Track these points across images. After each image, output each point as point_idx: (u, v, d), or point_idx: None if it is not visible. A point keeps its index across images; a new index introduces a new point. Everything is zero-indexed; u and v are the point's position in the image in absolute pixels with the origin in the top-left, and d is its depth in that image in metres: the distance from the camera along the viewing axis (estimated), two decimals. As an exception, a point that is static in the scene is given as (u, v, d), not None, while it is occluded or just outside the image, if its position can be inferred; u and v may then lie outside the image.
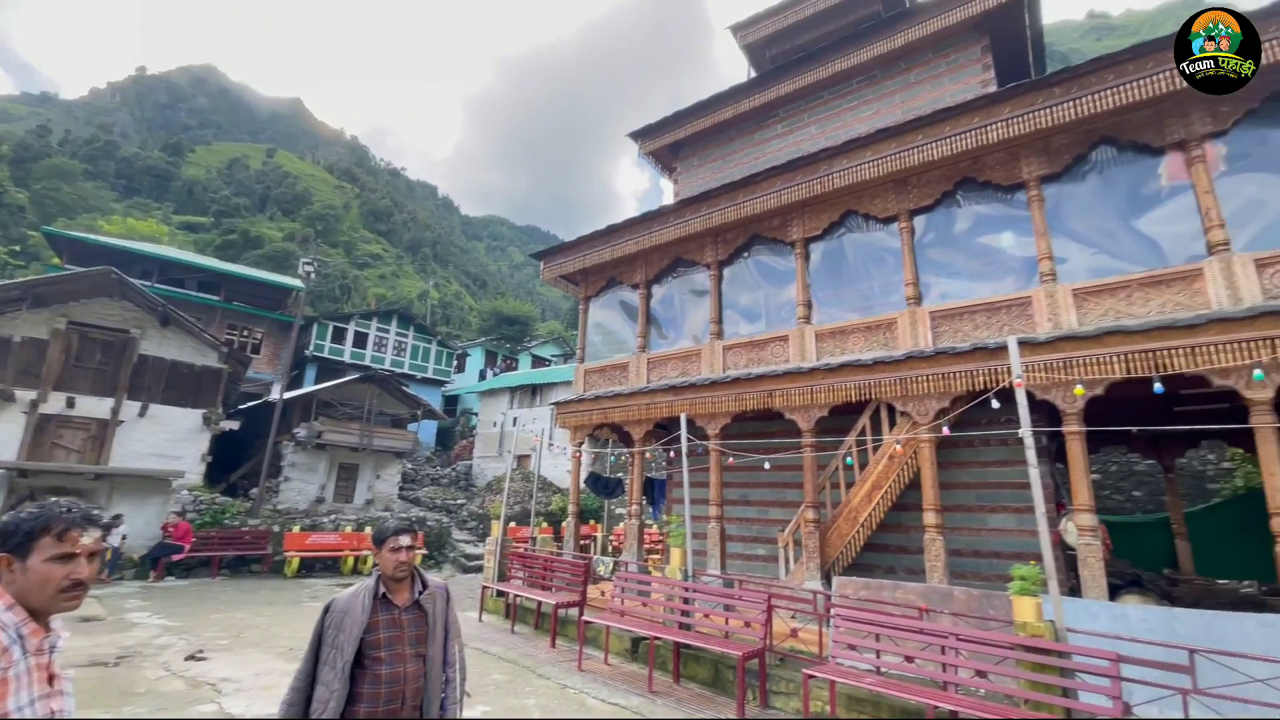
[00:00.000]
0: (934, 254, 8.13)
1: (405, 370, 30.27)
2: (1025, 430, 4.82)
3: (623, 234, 10.64)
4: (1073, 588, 6.86)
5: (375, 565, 2.42)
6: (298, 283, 26.73)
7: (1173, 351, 5.94)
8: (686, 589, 7.04)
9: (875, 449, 8.30)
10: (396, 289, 70.87)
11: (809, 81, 10.79)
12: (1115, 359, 6.22)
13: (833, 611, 5.61)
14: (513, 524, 17.78)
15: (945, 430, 7.08)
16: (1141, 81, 6.37)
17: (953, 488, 8.35)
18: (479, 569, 16.20)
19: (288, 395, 18.07)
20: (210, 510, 15.08)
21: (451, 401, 34.42)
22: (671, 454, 11.34)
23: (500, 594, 10.22)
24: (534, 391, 26.84)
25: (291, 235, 60.09)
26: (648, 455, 11.07)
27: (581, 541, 13.34)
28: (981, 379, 6.97)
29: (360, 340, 29.09)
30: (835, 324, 8.52)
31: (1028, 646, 4.41)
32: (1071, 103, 6.75)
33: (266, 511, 16.34)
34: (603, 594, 9.36)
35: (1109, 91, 6.55)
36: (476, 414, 30.46)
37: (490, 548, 10.83)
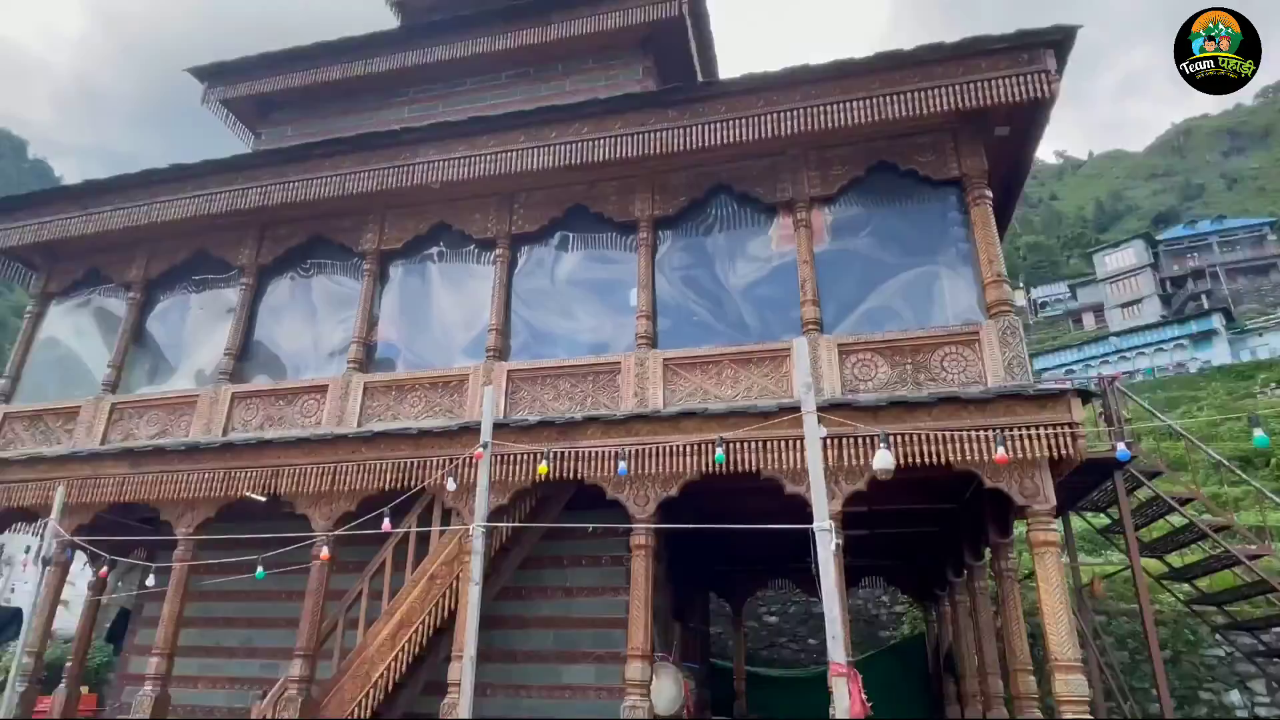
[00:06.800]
0: (533, 296, 8.13)
1: None
2: (477, 525, 4.22)
3: (109, 198, 8.80)
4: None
5: None
6: None
7: (746, 445, 6.20)
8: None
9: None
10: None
11: (448, 57, 10.54)
12: (690, 450, 6.31)
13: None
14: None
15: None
16: (756, 119, 6.98)
17: (529, 626, 8.05)
18: None
19: None
20: None
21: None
22: (148, 565, 9.19)
23: None
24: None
25: None
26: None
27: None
28: (558, 466, 6.66)
29: None
30: (394, 376, 7.99)
31: None
32: (683, 130, 7.16)
33: None
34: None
35: (722, 124, 7.08)
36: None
37: None
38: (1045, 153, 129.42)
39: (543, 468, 6.43)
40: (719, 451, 6.06)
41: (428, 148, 7.94)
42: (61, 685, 8.19)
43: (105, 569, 8.01)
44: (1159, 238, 64.26)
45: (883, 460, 5.61)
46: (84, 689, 12.18)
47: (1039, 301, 65.52)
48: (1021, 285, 61.42)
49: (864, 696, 4.74)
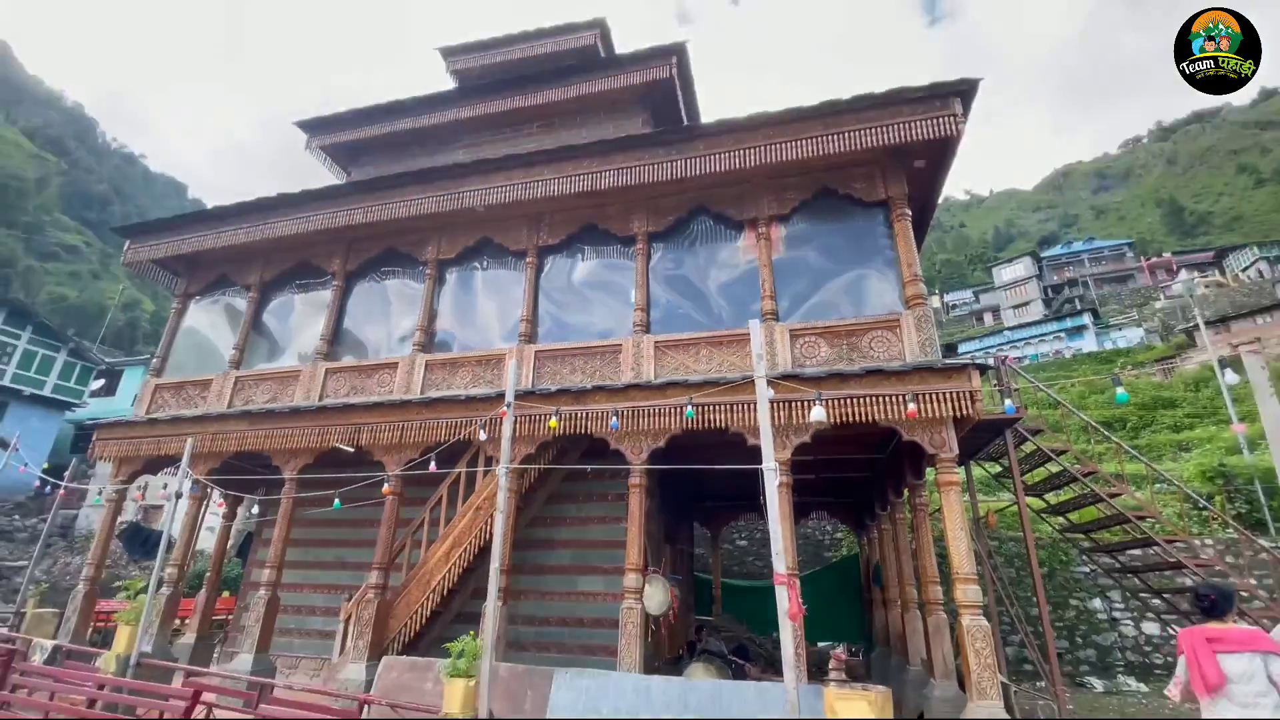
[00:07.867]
0: (555, 294, 7.82)
1: (4, 382, 22.33)
2: (502, 467, 4.06)
3: (232, 220, 8.63)
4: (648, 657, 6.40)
5: None
6: None
7: (717, 407, 5.97)
8: (102, 685, 4.89)
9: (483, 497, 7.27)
10: (88, 291, 55.34)
11: (492, 111, 10.27)
12: (674, 411, 6.11)
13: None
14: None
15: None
16: (727, 155, 6.76)
17: (553, 546, 7.82)
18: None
19: None
20: None
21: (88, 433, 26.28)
22: (257, 503, 9.10)
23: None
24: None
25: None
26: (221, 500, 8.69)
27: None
28: (571, 424, 6.50)
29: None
30: (448, 355, 7.67)
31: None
32: (670, 163, 6.93)
33: None
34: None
35: (701, 159, 6.86)
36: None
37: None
38: (955, 190, 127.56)
39: (553, 422, 6.20)
40: (689, 409, 5.84)
41: (474, 179, 7.74)
42: (202, 590, 8.14)
43: (222, 500, 7.99)
44: (1043, 255, 63.15)
45: (817, 414, 5.43)
46: (225, 593, 12.23)
47: (950, 304, 64.27)
48: (936, 291, 60.60)
49: (800, 599, 4.55)
